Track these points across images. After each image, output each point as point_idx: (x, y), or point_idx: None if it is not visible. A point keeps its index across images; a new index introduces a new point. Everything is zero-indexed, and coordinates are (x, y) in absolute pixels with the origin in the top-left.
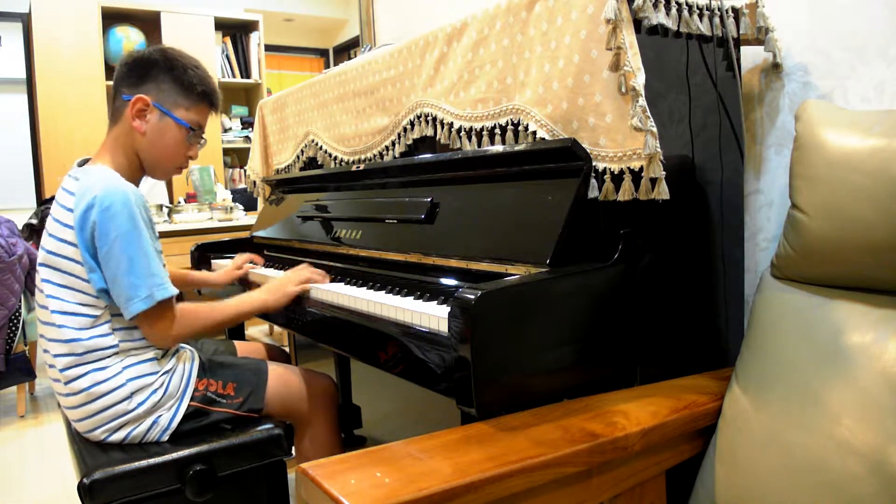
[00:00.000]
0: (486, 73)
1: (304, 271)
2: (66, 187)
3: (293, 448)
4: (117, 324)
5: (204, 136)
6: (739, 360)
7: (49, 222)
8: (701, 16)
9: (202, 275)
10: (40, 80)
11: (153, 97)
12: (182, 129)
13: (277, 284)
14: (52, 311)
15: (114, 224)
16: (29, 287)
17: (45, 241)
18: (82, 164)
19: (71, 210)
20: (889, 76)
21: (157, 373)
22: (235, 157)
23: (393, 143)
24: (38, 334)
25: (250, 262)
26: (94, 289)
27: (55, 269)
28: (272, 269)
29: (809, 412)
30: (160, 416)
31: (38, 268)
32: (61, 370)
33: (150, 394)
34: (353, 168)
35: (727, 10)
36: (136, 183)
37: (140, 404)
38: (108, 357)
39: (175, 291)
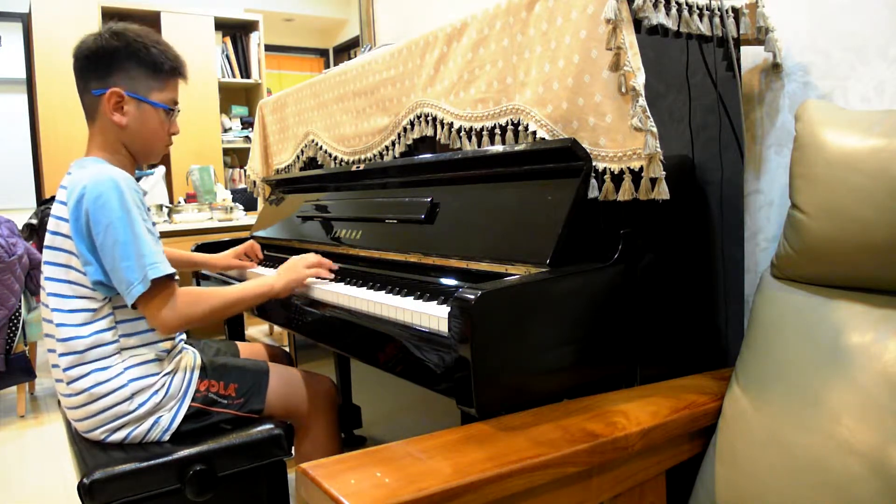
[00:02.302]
0: (486, 73)
1: (312, 256)
2: (63, 184)
3: (293, 448)
4: (119, 317)
5: (178, 106)
6: (739, 360)
7: (49, 219)
8: (701, 16)
9: (203, 256)
10: (40, 80)
11: (125, 87)
12: (160, 110)
13: (286, 269)
14: (52, 309)
15: (104, 211)
16: (29, 287)
17: (47, 237)
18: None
19: (65, 203)
20: (889, 76)
21: (158, 374)
22: (235, 157)
23: (393, 143)
24: (43, 335)
25: (246, 256)
26: (90, 281)
27: (55, 264)
28: (271, 269)
29: (809, 412)
30: (161, 416)
31: (42, 266)
32: (64, 370)
33: (152, 394)
34: (353, 168)
35: (727, 10)
36: (132, 171)
37: (141, 405)
38: (111, 356)
39: (170, 270)
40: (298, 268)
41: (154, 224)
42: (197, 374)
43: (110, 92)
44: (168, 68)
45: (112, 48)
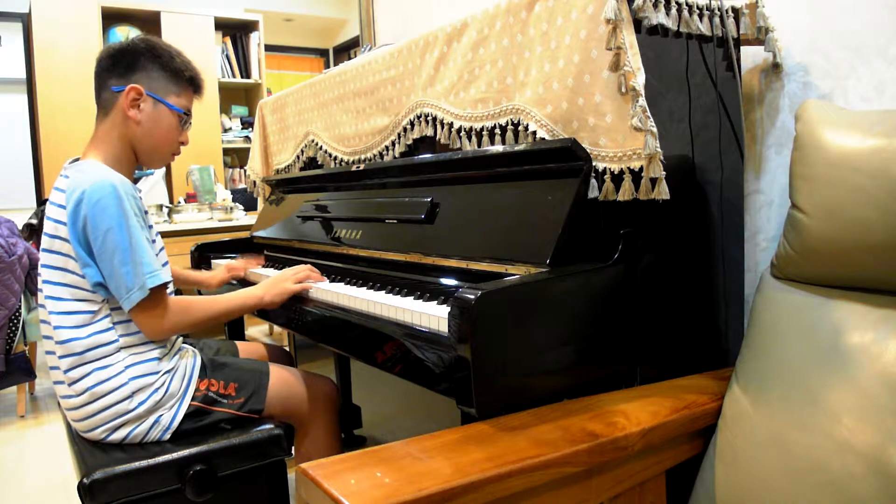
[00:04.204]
0: (486, 73)
1: (302, 271)
2: (58, 185)
3: (293, 448)
4: (117, 317)
5: (191, 119)
6: (739, 360)
7: (45, 222)
8: (701, 16)
9: (197, 275)
10: (40, 80)
11: (145, 86)
12: (175, 114)
13: (274, 281)
14: (50, 312)
15: (104, 217)
16: (29, 287)
17: (43, 240)
18: (74, 162)
19: (63, 206)
20: (889, 76)
21: (158, 372)
22: (235, 157)
23: (393, 143)
24: (41, 336)
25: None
26: (89, 283)
27: (53, 267)
28: (271, 269)
29: (809, 412)
30: (161, 415)
31: (39, 269)
32: (65, 371)
33: (152, 393)
34: (353, 168)
35: (727, 10)
36: (131, 172)
37: (141, 403)
38: (111, 355)
39: (167, 279)
40: (287, 281)
41: (151, 227)
42: (197, 372)
43: (129, 87)
44: (187, 77)
45: (137, 50)
